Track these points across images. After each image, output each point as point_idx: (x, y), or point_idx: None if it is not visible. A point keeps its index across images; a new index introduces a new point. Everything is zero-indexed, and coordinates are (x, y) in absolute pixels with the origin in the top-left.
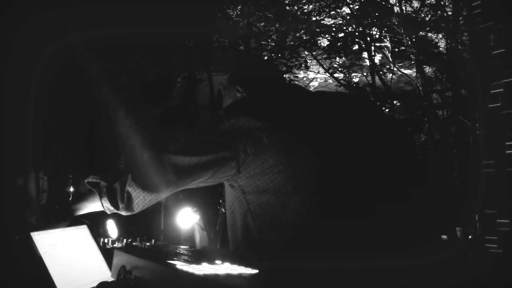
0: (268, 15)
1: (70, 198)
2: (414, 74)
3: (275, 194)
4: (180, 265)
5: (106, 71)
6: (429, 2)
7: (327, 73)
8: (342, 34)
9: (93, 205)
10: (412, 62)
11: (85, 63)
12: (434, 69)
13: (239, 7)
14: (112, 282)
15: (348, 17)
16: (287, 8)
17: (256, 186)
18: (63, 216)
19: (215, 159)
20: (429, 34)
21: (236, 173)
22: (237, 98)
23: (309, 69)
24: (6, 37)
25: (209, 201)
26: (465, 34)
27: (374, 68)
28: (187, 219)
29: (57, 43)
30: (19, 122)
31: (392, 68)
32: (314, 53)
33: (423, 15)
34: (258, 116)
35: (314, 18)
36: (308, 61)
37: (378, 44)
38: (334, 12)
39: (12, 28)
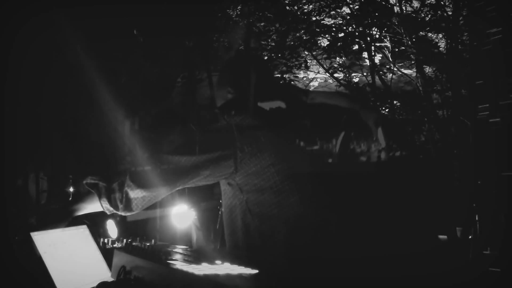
0: (268, 15)
1: (70, 198)
2: (414, 74)
3: (274, 193)
4: (180, 265)
5: (106, 71)
6: (429, 2)
7: (327, 73)
8: (342, 34)
9: (92, 206)
10: (412, 62)
11: (84, 62)
12: (434, 69)
13: (239, 7)
14: (112, 282)
15: (348, 17)
16: (287, 8)
17: (254, 185)
18: (62, 216)
19: (212, 158)
20: (429, 34)
21: (234, 172)
22: (228, 99)
23: (309, 69)
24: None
25: (205, 200)
26: (465, 34)
27: (374, 68)
28: (182, 217)
29: (56, 42)
30: (19, 121)
31: (392, 68)
32: (314, 53)
33: (423, 15)
34: (254, 115)
35: (314, 18)
36: (308, 61)
37: (378, 44)
38: (334, 12)
39: (9, 30)
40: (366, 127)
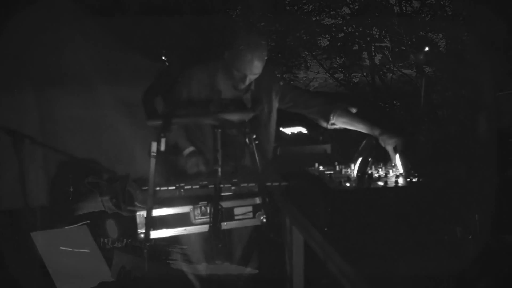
0: (268, 15)
1: (70, 198)
2: (414, 74)
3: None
4: (180, 265)
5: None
6: (429, 2)
7: (327, 73)
8: (342, 34)
9: (93, 205)
10: (412, 62)
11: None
12: (434, 69)
13: (239, 7)
14: (112, 282)
15: (348, 17)
16: (287, 8)
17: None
18: (63, 215)
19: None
20: (429, 34)
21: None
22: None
23: (309, 69)
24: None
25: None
26: (465, 34)
27: (374, 68)
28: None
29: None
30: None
31: (392, 68)
32: (314, 53)
33: (423, 15)
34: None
35: (314, 18)
36: (308, 61)
37: (378, 44)
38: (334, 12)
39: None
40: (384, 153)
